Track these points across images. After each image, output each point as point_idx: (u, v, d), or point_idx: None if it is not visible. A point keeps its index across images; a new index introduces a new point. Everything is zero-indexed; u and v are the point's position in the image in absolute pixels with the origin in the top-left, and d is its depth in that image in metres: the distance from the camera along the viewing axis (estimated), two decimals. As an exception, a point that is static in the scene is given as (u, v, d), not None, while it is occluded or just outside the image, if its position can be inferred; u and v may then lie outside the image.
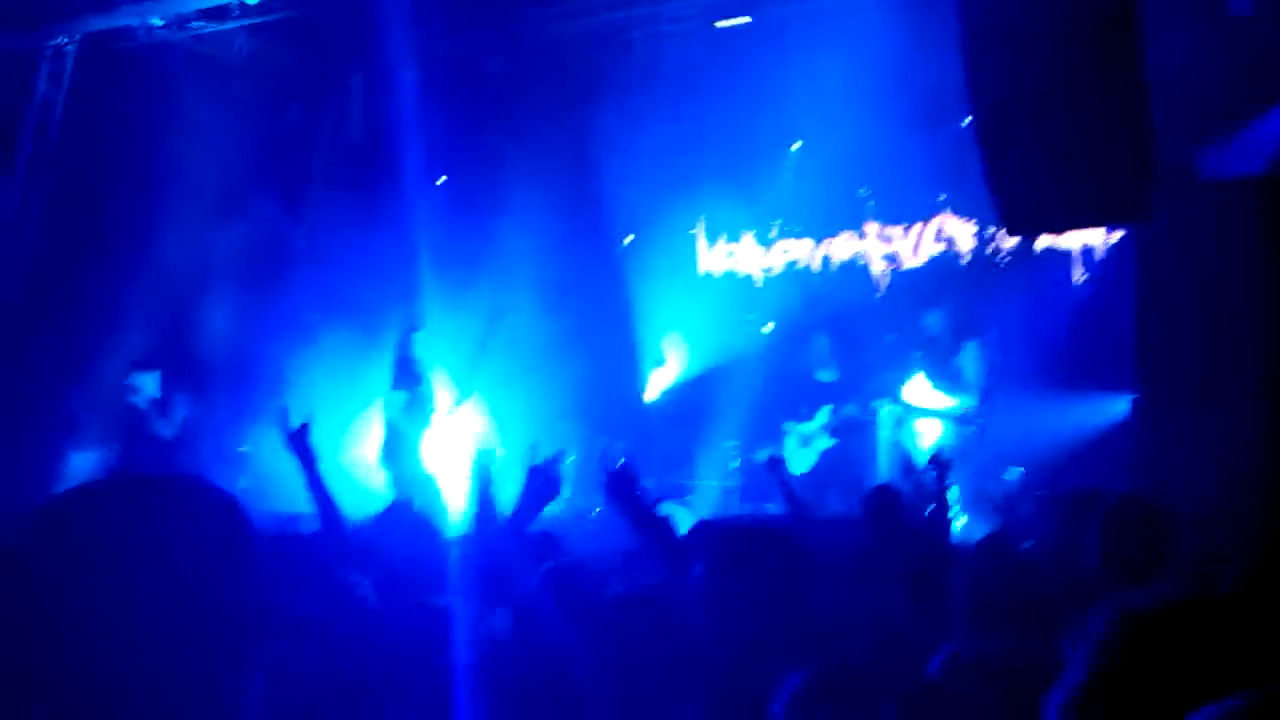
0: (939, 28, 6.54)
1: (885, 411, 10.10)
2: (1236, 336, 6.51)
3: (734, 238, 12.64)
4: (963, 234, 11.38)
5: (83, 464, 10.30)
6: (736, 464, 11.00)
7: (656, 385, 11.59)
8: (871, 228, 11.86)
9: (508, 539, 4.29)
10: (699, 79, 11.21)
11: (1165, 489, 5.88)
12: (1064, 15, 5.22)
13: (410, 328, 10.32)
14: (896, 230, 11.74)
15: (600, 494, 4.65)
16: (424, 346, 10.21)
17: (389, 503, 6.63)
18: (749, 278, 12.47)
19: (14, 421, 10.35)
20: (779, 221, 12.31)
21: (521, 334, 11.33)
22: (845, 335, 10.76)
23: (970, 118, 5.98)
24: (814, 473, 10.28)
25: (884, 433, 10.14)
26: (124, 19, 11.04)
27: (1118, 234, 10.04)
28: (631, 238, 12.52)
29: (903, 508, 5.61)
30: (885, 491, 5.78)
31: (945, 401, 9.56)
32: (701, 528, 4.33)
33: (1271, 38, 7.56)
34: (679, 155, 11.56)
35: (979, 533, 6.42)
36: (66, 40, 11.33)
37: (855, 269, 11.90)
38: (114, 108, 11.25)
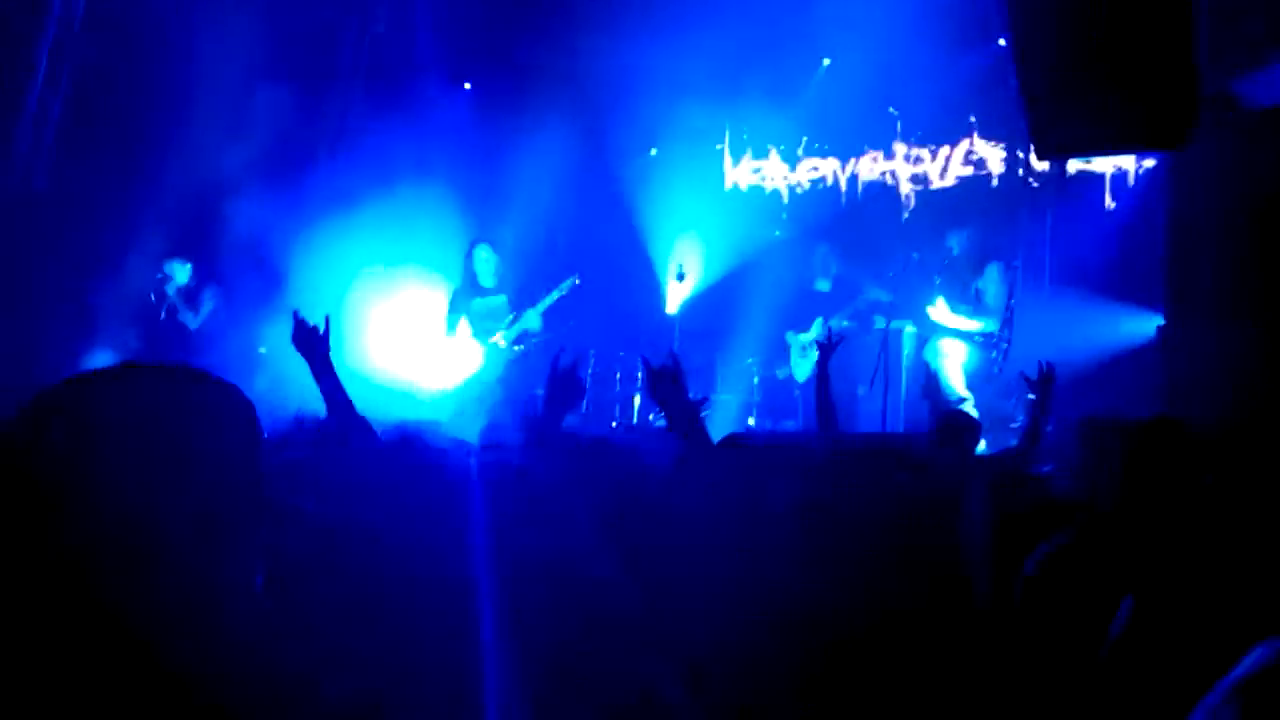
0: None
1: (908, 332, 10.09)
2: (1268, 266, 6.46)
3: (761, 153, 12.56)
4: (992, 157, 11.29)
5: (103, 357, 10.35)
6: (758, 379, 11.05)
7: (677, 298, 11.59)
8: (900, 148, 11.77)
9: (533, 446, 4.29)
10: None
11: (1190, 413, 5.88)
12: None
13: (475, 240, 10.35)
14: (925, 151, 11.66)
15: (642, 391, 4.65)
16: (483, 260, 10.23)
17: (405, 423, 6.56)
18: (775, 193, 12.40)
19: (34, 310, 10.38)
20: (806, 139, 12.22)
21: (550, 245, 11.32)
22: (845, 245, 10.72)
23: (1006, 38, 5.89)
24: (791, 390, 10.53)
25: (907, 349, 10.14)
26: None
27: (1150, 160, 9.93)
28: (655, 151, 12.44)
29: (972, 433, 5.65)
30: (957, 416, 5.81)
31: (968, 324, 9.50)
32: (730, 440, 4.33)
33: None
34: (706, 69, 11.43)
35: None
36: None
37: (883, 188, 11.83)
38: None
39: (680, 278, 11.31)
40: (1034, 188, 10.89)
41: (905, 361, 10.14)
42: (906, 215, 11.66)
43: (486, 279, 10.14)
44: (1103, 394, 8.46)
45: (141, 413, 1.53)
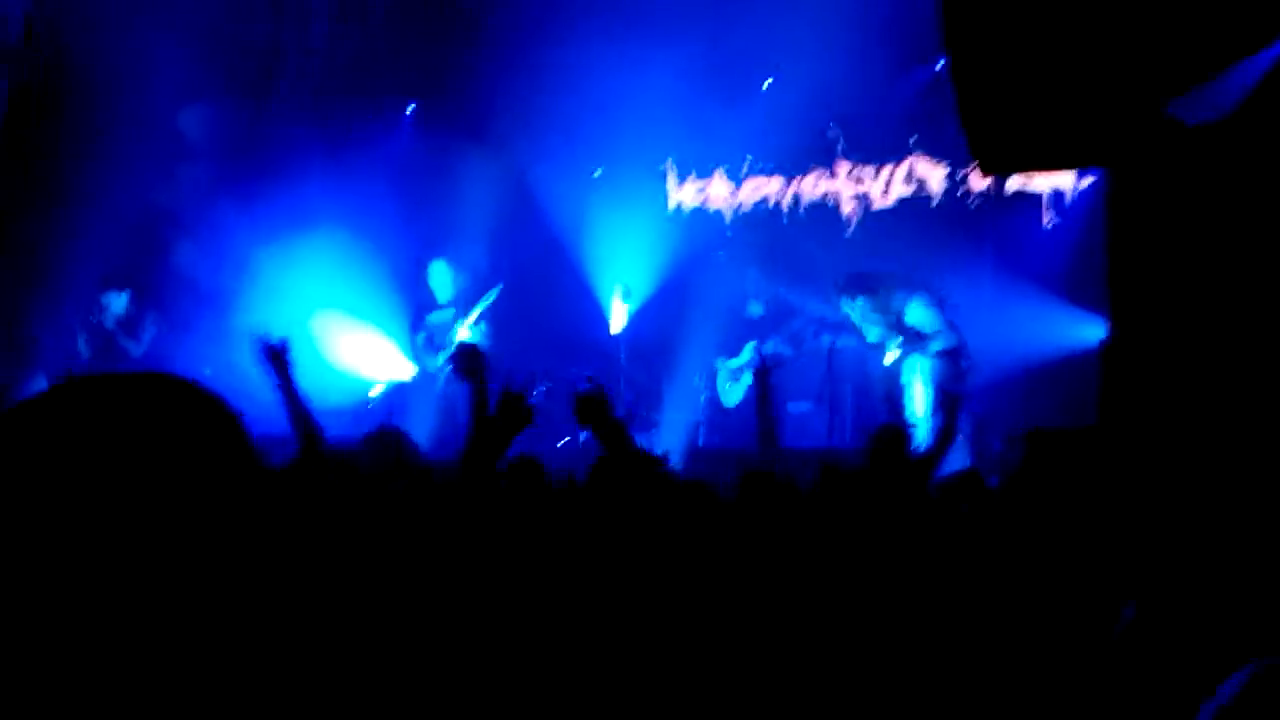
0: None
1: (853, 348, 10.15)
2: (1206, 281, 6.55)
3: (704, 174, 12.57)
4: (933, 176, 11.38)
5: (41, 385, 10.18)
6: (704, 399, 11.05)
7: (622, 319, 11.57)
8: (843, 167, 11.82)
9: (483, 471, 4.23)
10: (673, 13, 11.09)
11: (1130, 426, 5.96)
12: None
13: (434, 257, 10.44)
14: (868, 170, 11.72)
15: (571, 420, 4.63)
16: (439, 275, 10.30)
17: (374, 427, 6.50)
18: (719, 213, 12.42)
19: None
20: (750, 158, 12.25)
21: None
22: (787, 265, 10.78)
23: (945, 57, 5.96)
24: (740, 409, 10.50)
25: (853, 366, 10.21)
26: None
27: (1088, 179, 10.06)
28: (600, 171, 12.43)
29: (906, 445, 5.71)
30: (891, 429, 5.87)
31: (921, 338, 9.54)
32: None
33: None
34: (649, 90, 11.45)
35: (953, 468, 6.48)
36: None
37: (826, 208, 11.88)
38: (81, 14, 10.98)
39: (626, 298, 11.30)
40: (972, 208, 11.00)
41: (852, 379, 10.22)
42: (849, 234, 11.72)
43: (443, 294, 10.24)
44: (1049, 409, 8.56)
45: (101, 424, 1.47)
